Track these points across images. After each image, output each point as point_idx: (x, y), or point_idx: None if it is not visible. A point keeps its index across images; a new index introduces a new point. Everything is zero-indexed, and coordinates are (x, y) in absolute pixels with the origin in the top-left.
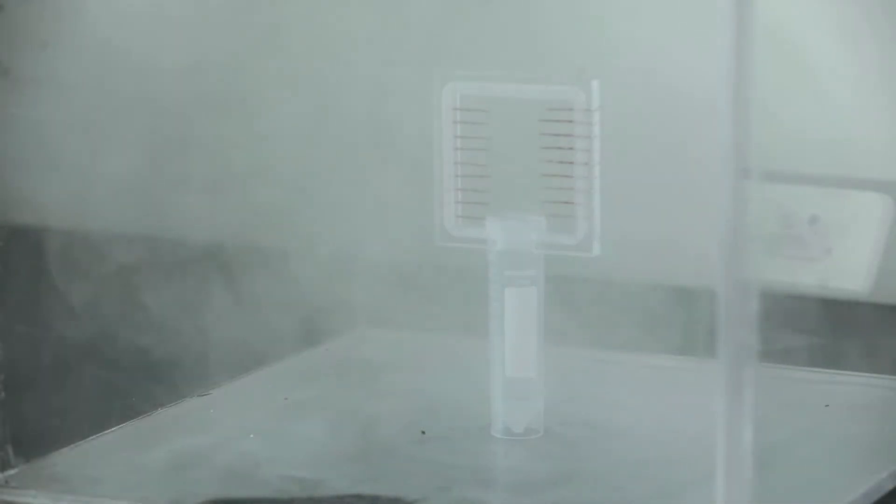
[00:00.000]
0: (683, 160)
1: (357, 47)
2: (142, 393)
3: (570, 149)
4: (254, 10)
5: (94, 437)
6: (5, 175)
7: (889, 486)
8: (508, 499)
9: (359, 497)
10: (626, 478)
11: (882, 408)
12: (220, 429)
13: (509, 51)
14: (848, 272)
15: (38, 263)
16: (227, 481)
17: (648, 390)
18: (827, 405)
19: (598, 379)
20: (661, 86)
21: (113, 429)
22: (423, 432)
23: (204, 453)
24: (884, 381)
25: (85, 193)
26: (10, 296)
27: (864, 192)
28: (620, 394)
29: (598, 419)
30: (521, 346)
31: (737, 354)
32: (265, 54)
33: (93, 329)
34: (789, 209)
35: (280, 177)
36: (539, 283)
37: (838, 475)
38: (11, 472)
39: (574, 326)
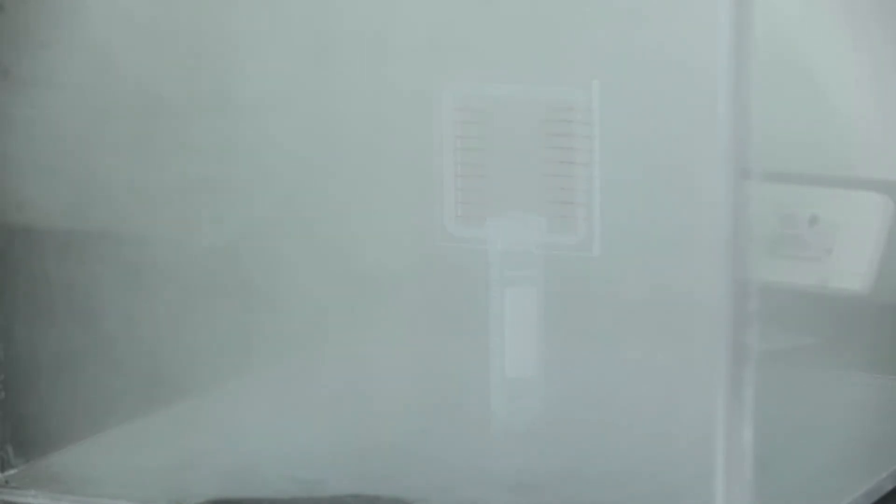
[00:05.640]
0: (683, 160)
1: (357, 47)
2: (142, 393)
3: (570, 149)
4: (253, 11)
5: (94, 437)
6: (5, 175)
7: (889, 486)
8: (508, 499)
9: (358, 497)
10: (626, 478)
11: (882, 408)
12: (220, 429)
13: (510, 51)
14: (848, 272)
15: (38, 263)
16: (227, 481)
17: (648, 390)
18: None
19: (598, 379)
20: (660, 86)
21: (113, 429)
22: (423, 432)
23: (204, 453)
24: (884, 381)
25: (84, 194)
26: (10, 296)
27: (864, 192)
28: (620, 394)
29: (598, 419)
30: (521, 346)
31: (737, 354)
32: (264, 54)
33: (93, 329)
34: (789, 209)
35: (280, 177)
36: (539, 283)
37: (838, 475)
38: (11, 472)
39: (576, 326)
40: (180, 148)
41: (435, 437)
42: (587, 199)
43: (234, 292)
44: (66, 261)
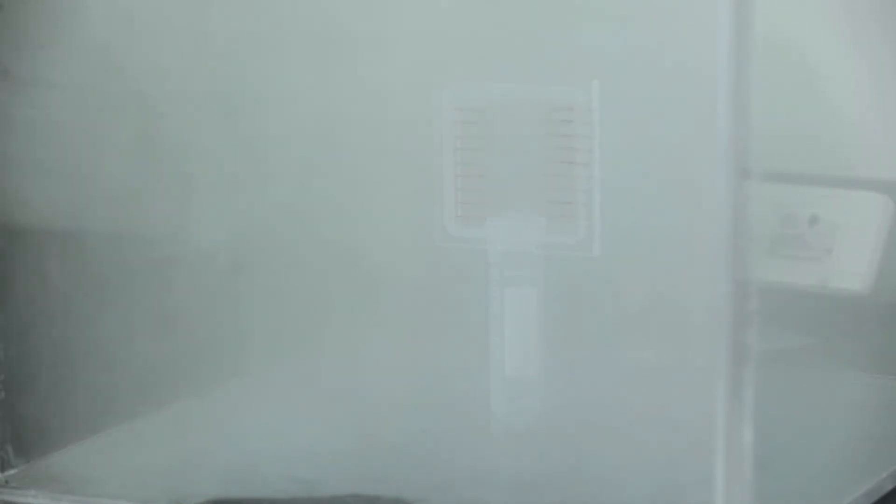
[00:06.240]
0: (683, 160)
1: (357, 46)
2: (142, 393)
3: (570, 149)
4: (253, 11)
5: (94, 437)
6: (5, 175)
7: (889, 486)
8: (508, 499)
9: (359, 497)
10: (626, 478)
11: (882, 408)
12: (220, 429)
13: (510, 51)
14: (848, 272)
15: (38, 263)
16: (227, 481)
17: (648, 390)
18: None
19: (599, 379)
20: (661, 86)
21: (113, 429)
22: (423, 432)
23: (204, 453)
24: (884, 381)
25: (84, 194)
26: (10, 296)
27: (864, 192)
28: (620, 394)
29: (597, 419)
30: (521, 346)
31: (737, 354)
32: (264, 55)
33: (93, 329)
34: (789, 209)
35: (280, 177)
36: (539, 283)
37: (838, 475)
38: (11, 472)
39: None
40: (180, 148)
41: (435, 437)
42: (587, 199)
43: (234, 292)
44: (66, 261)
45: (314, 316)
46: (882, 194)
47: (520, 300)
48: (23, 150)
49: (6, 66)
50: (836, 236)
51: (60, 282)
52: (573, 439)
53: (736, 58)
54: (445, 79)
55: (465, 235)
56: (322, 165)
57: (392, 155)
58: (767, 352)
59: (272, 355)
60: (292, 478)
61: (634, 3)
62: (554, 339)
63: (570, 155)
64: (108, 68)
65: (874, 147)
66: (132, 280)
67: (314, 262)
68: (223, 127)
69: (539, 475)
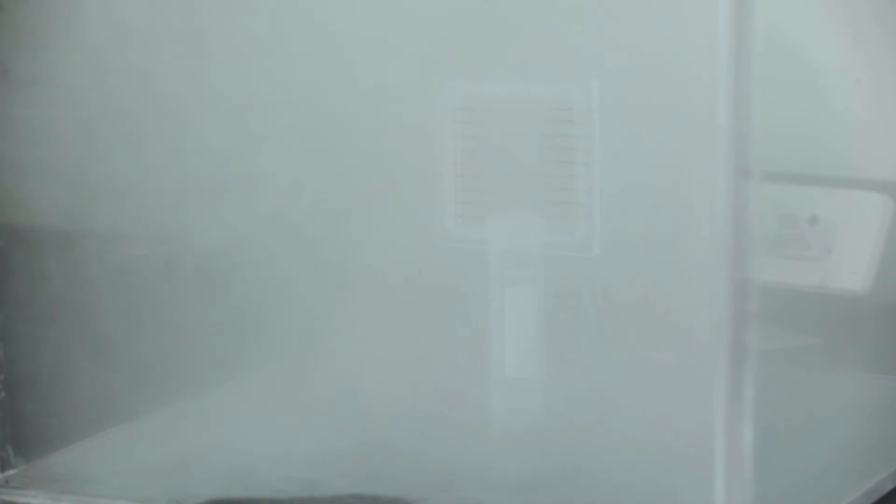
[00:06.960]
0: (683, 160)
1: (357, 46)
2: (142, 393)
3: (570, 149)
4: (252, 11)
5: (94, 437)
6: (5, 175)
7: (889, 486)
8: (508, 499)
9: (359, 497)
10: (625, 478)
11: (882, 408)
12: (220, 429)
13: (510, 51)
14: (848, 272)
15: (38, 263)
16: (227, 481)
17: (648, 390)
18: None
19: (598, 379)
20: (661, 86)
21: (113, 429)
22: (423, 432)
23: (204, 453)
24: (884, 381)
25: (84, 194)
26: (10, 296)
27: (864, 192)
28: (620, 393)
29: (597, 419)
30: (521, 346)
31: (737, 354)
32: (263, 55)
33: (93, 329)
34: (789, 209)
35: (279, 177)
36: (539, 283)
37: (838, 475)
38: (11, 472)
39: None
40: (178, 148)
41: (435, 436)
42: (587, 199)
43: (233, 292)
44: (66, 261)
45: (314, 316)
46: (882, 194)
47: (520, 300)
48: (22, 150)
49: (6, 66)
50: (836, 236)
51: (60, 282)
52: (573, 439)
53: (736, 58)
54: (445, 79)
55: (465, 235)
56: (322, 165)
57: (392, 155)
58: (767, 352)
59: (271, 355)
60: (292, 478)
61: (634, 3)
62: (554, 339)
63: (570, 155)
64: (107, 68)
65: (874, 147)
66: (132, 280)
67: (314, 262)
68: (222, 127)
69: (539, 475)
